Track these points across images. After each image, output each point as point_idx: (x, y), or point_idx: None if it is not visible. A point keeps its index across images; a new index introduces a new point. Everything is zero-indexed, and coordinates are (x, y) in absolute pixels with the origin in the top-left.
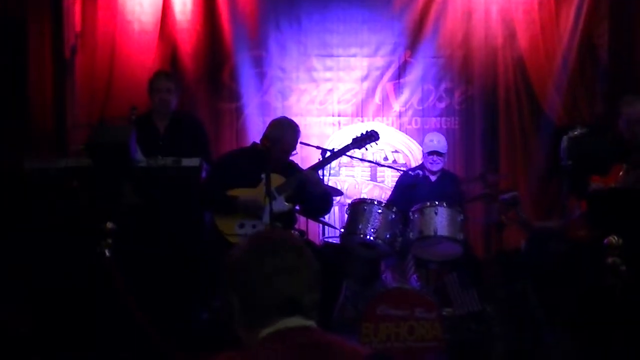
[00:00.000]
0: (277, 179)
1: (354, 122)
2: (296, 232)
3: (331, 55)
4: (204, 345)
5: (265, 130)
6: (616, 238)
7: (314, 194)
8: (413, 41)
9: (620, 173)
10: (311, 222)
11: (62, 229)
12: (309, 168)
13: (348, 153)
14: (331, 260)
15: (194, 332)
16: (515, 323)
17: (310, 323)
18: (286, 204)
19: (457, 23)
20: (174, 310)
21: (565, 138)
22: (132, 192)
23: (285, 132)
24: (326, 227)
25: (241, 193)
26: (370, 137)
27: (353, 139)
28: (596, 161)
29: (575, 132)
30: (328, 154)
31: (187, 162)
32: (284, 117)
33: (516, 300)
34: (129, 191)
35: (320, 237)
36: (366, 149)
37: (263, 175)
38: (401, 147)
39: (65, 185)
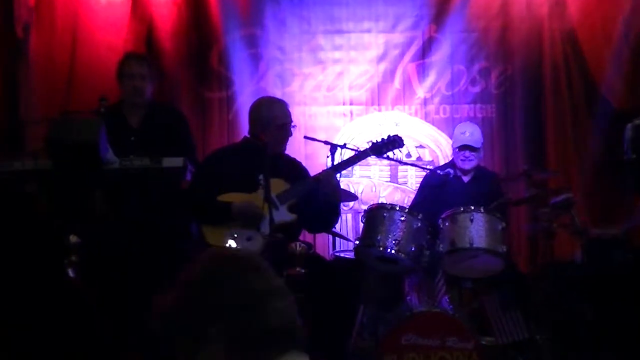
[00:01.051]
0: (279, 185)
1: (369, 111)
2: (303, 245)
3: (340, 32)
4: None
5: (250, 120)
6: None
7: (323, 204)
8: (439, 12)
9: None
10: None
11: (17, 244)
12: (324, 171)
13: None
14: (344, 278)
15: None
16: (571, 352)
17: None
18: (289, 214)
19: None
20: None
21: (629, 127)
22: (102, 199)
23: (273, 107)
24: (337, 238)
25: (235, 199)
26: (393, 143)
27: (372, 145)
28: None
29: None
30: (339, 152)
31: (168, 162)
32: (264, 96)
33: (572, 324)
34: (99, 199)
35: (331, 251)
36: (387, 157)
37: (261, 177)
38: (427, 141)
39: (22, 192)
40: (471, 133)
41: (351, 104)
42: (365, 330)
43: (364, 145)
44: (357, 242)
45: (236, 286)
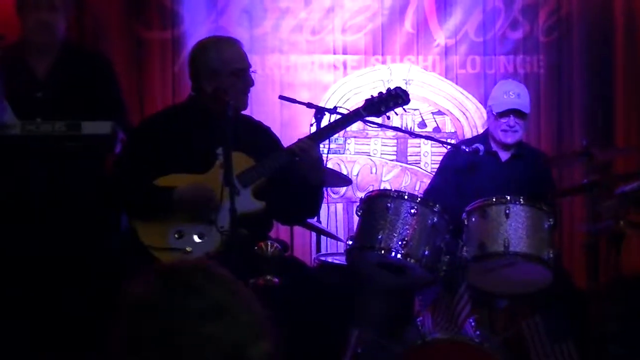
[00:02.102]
0: (239, 160)
1: (369, 63)
2: (276, 245)
3: None
4: None
5: (191, 69)
6: None
7: (301, 186)
8: None
9: None
10: (298, 229)
11: None
12: (299, 141)
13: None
14: (332, 292)
15: None
16: None
17: None
18: (255, 201)
19: None
20: None
21: None
22: None
23: (223, 49)
24: (323, 237)
25: (181, 181)
26: (395, 99)
27: (366, 102)
28: None
29: None
30: (327, 118)
31: (90, 128)
32: (212, 36)
33: None
34: None
35: (314, 255)
36: (388, 117)
37: (219, 152)
38: (448, 105)
39: None
40: (518, 94)
41: (345, 52)
42: None
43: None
44: (349, 242)
45: (165, 309)
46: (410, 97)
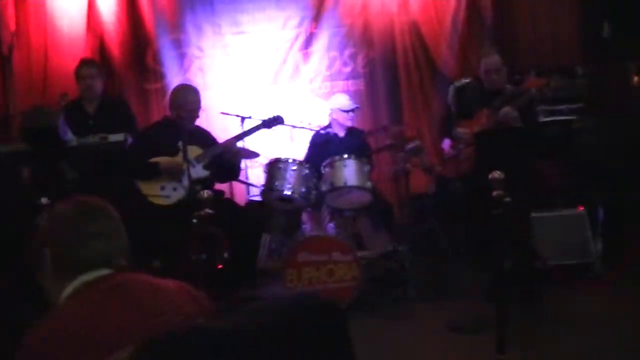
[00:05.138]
0: (195, 150)
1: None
2: (209, 192)
3: (243, 33)
4: None
5: (170, 101)
6: (499, 173)
7: (229, 163)
8: (317, 13)
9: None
10: (237, 184)
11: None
12: (228, 140)
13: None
14: (252, 215)
15: None
16: (426, 259)
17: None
18: (204, 171)
19: None
20: None
21: (451, 87)
22: (70, 168)
23: (186, 95)
24: (251, 186)
25: (162, 160)
26: (277, 120)
27: (262, 121)
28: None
29: (460, 83)
30: (246, 122)
31: (113, 137)
32: (181, 84)
33: (426, 238)
34: (67, 168)
35: (246, 196)
36: (273, 130)
37: (180, 143)
38: (314, 110)
39: (8, 168)
40: (350, 99)
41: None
42: (273, 253)
43: (262, 116)
44: (262, 188)
45: (69, 226)
46: (281, 115)
